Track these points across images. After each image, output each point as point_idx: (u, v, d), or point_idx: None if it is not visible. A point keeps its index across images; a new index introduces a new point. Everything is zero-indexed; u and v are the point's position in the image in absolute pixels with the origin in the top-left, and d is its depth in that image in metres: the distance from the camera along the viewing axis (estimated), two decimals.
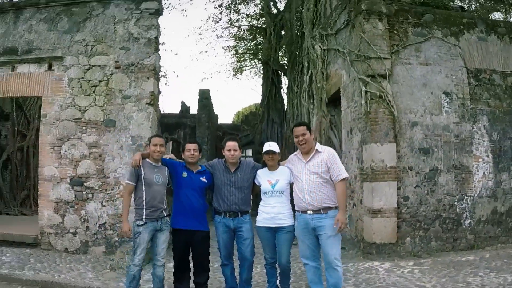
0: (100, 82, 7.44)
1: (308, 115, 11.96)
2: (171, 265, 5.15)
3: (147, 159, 4.82)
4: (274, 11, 20.01)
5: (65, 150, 7.48)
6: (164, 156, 4.93)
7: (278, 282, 4.91)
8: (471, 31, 8.69)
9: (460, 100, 8.18)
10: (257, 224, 4.79)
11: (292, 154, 4.95)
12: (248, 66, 26.18)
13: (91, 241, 7.31)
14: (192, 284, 5.03)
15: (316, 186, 4.50)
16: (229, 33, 22.66)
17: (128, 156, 7.17)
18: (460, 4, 18.02)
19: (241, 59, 24.14)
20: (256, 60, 25.49)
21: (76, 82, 7.55)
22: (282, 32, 19.33)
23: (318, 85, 10.60)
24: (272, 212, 4.67)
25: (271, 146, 4.80)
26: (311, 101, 11.52)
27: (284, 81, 20.26)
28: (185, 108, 22.48)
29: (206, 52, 39.64)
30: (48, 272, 6.36)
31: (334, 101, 10.02)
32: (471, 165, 8.10)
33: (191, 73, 54.29)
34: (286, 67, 19.28)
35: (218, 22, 22.41)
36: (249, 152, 22.54)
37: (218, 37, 28.27)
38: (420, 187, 7.68)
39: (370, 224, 7.35)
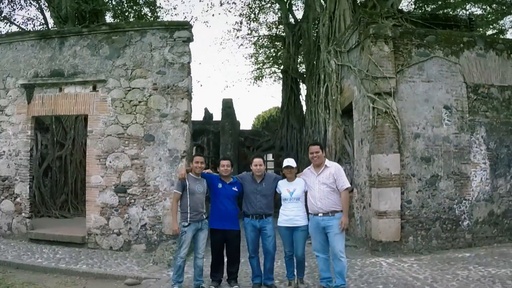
0: (140, 102, 8.95)
1: (324, 124, 13.33)
2: (209, 258, 6.61)
3: (190, 173, 6.24)
4: (292, 20, 21.47)
5: (110, 162, 8.99)
6: (203, 171, 6.36)
7: (295, 272, 6.32)
8: (470, 49, 9.91)
9: (459, 113, 9.42)
10: (278, 224, 6.17)
11: (306, 168, 6.32)
12: (267, 73, 27.83)
13: (133, 240, 8.80)
14: (225, 274, 6.48)
15: (325, 194, 5.86)
16: (250, 41, 24.30)
17: (166, 167, 8.66)
18: (473, 10, 19.16)
19: (261, 66, 25.77)
20: (276, 66, 27.06)
21: (119, 102, 9.06)
22: (300, 41, 20.78)
23: (333, 97, 11.96)
24: (291, 214, 6.05)
25: (289, 162, 6.18)
26: (327, 111, 12.88)
27: (303, 87, 21.68)
28: (208, 115, 24.06)
29: (228, 61, 41.44)
30: (100, 266, 7.87)
31: (347, 112, 11.33)
32: (469, 172, 9.33)
33: (214, 82, 57.20)
34: (304, 75, 20.68)
35: (239, 30, 24.00)
36: (270, 156, 24.01)
37: (239, 46, 29.82)
38: (422, 192, 8.97)
39: (377, 224, 8.68)
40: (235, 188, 6.28)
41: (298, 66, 22.00)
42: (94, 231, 8.98)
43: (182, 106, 8.81)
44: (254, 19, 24.08)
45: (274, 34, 24.57)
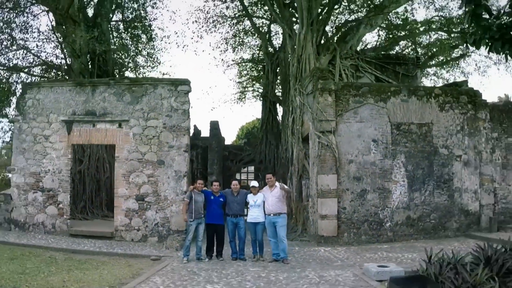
0: (153, 136, 13.81)
1: (291, 145, 18.38)
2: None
3: (195, 190, 11.14)
4: (272, 49, 26.60)
5: (132, 178, 13.83)
6: (203, 188, 11.28)
7: (258, 250, 11.28)
8: (396, 96, 14.91)
9: (384, 144, 14.39)
10: (247, 221, 11.11)
11: (265, 187, 11.31)
12: (250, 90, 33.09)
13: (149, 234, 13.64)
14: (214, 253, 11.41)
15: (275, 203, 10.76)
16: (234, 62, 29.57)
17: (172, 183, 13.56)
18: (420, 50, 24.42)
19: (244, 89, 31.16)
20: (258, 85, 32.26)
21: (138, 136, 13.91)
22: (278, 69, 25.87)
23: (297, 127, 17.01)
24: (255, 215, 10.91)
25: (254, 183, 11.14)
26: (293, 136, 17.93)
27: (280, 108, 26.74)
28: (197, 131, 28.96)
29: (216, 86, 48.22)
30: (130, 250, 12.71)
31: (307, 139, 16.36)
32: (391, 187, 14.32)
33: (202, 102, 65.53)
34: (281, 98, 25.73)
35: (224, 52, 29.21)
36: (251, 168, 29.01)
37: (224, 72, 34.97)
38: (354, 201, 13.94)
39: (321, 224, 13.64)
40: (221, 199, 11.13)
41: (276, 90, 27.13)
42: (120, 228, 13.80)
43: (183, 140, 13.69)
44: (240, 42, 29.28)
45: (256, 58, 29.86)
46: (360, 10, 23.12)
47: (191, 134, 29.48)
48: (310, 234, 14.82)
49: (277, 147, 25.63)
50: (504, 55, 6.32)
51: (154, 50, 25.28)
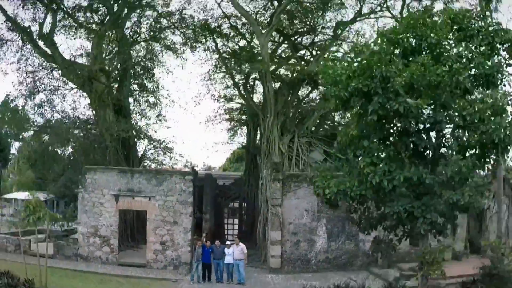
0: (171, 206, 26.42)
1: (260, 202, 31.39)
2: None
3: (197, 245, 24.05)
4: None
5: (157, 231, 26.73)
6: (203, 243, 24.19)
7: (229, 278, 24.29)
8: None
9: (312, 212, 27.21)
10: (224, 262, 24.03)
11: (233, 245, 24.25)
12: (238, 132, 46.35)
13: (168, 265, 26.53)
14: (207, 278, 24.42)
15: (238, 254, 23.54)
16: (225, 119, 42.93)
17: (182, 235, 26.37)
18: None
19: (232, 137, 44.57)
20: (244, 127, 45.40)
21: (162, 206, 26.54)
22: (258, 128, 38.80)
23: (264, 192, 29.97)
24: (228, 258, 23.76)
25: (228, 243, 24.11)
26: (262, 196, 30.88)
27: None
28: (194, 172, 42.12)
29: (214, 145, 61.79)
30: (158, 275, 25.63)
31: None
32: (316, 239, 27.20)
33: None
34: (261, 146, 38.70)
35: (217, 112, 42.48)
36: (236, 204, 42.26)
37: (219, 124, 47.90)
38: (292, 247, 26.73)
39: (271, 260, 26.61)
40: (210, 250, 23.90)
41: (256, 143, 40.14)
42: (150, 260, 26.63)
43: (189, 210, 26.48)
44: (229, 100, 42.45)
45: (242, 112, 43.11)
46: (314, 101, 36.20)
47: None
48: (267, 265, 27.94)
49: (257, 188, 38.33)
50: None
51: (161, 112, 38.63)
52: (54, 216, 27.55)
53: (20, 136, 46.63)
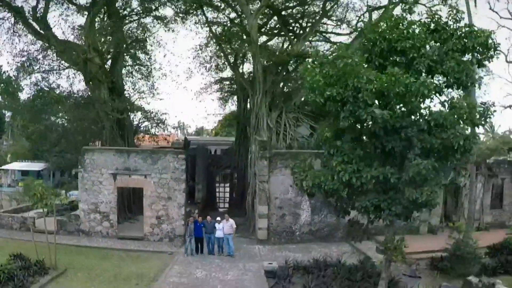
0: (165, 184, 28.34)
1: (249, 176, 33.46)
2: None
3: (189, 221, 26.23)
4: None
5: (153, 207, 28.76)
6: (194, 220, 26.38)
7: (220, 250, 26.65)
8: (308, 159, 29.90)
9: (296, 188, 29.44)
10: (215, 236, 26.28)
11: (223, 220, 26.45)
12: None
13: (163, 237, 28.70)
14: (199, 251, 26.76)
15: (228, 229, 25.75)
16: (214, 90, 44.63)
17: (176, 210, 28.42)
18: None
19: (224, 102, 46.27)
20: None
21: (157, 183, 28.48)
22: (248, 100, 40.47)
23: (253, 165, 32.00)
24: (219, 233, 25.80)
25: (218, 219, 26.24)
26: (251, 169, 32.93)
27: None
28: (187, 142, 44.06)
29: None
30: (155, 248, 27.91)
31: None
32: (300, 212, 29.44)
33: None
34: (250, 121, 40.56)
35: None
36: (228, 170, 44.42)
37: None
38: (277, 220, 28.90)
39: (259, 232, 28.92)
40: (202, 225, 25.86)
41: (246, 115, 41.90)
42: (147, 234, 28.74)
43: (182, 186, 28.42)
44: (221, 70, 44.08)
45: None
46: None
47: (181, 145, 45.21)
48: (255, 236, 30.24)
49: (246, 158, 40.49)
50: None
51: (154, 85, 40.26)
52: (55, 193, 29.52)
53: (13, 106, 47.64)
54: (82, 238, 28.82)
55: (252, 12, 33.59)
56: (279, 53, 34.98)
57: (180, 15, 39.54)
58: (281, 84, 36.50)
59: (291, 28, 40.19)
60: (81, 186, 29.36)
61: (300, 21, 39.96)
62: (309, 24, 39.03)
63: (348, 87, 16.23)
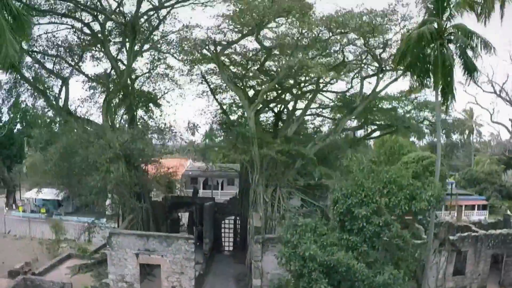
0: (178, 262, 35.65)
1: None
2: None
3: None
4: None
5: (170, 278, 36.21)
6: None
7: None
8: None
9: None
10: None
11: None
12: None
13: None
14: None
15: None
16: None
17: (189, 282, 35.90)
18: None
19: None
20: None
21: (171, 261, 35.70)
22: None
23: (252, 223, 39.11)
24: None
25: None
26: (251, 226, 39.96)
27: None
28: (196, 191, 51.22)
29: None
30: None
31: None
32: None
33: None
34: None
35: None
36: (232, 217, 51.76)
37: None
38: None
39: None
40: None
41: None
42: None
43: (191, 264, 35.64)
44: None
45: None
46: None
47: (190, 194, 52.46)
48: None
49: (247, 207, 47.35)
50: None
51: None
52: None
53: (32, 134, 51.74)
54: None
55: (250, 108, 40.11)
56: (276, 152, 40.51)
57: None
58: (276, 165, 42.93)
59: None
60: (110, 261, 36.90)
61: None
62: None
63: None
